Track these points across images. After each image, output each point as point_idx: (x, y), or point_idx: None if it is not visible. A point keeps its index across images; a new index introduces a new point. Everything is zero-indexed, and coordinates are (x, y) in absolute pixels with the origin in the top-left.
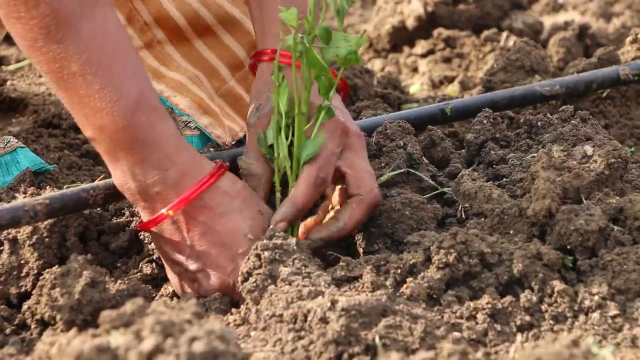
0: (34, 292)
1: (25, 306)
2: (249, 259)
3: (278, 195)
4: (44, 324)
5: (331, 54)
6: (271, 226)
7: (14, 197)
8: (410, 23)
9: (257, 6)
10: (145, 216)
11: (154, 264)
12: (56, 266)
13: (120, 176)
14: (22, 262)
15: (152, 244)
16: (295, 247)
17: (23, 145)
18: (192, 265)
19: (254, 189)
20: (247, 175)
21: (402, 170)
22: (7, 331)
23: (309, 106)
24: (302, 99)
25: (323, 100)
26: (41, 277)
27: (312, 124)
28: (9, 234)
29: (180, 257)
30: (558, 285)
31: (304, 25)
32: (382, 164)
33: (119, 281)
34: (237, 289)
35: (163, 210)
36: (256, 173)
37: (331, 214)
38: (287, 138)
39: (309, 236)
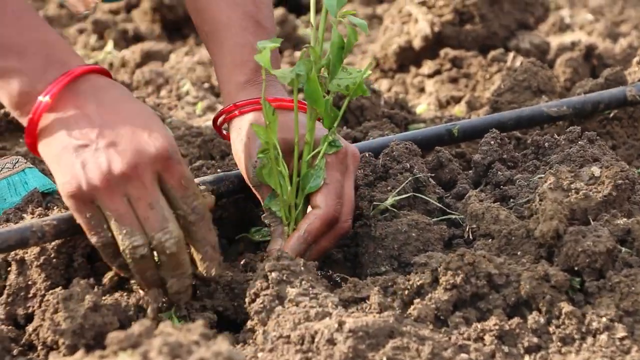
0: (35, 315)
1: (29, 328)
2: (256, 279)
3: (286, 229)
4: (49, 347)
5: (334, 85)
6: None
7: (22, 218)
8: (417, 43)
9: (217, 53)
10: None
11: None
12: (59, 288)
13: (20, 82)
14: (29, 283)
15: (44, 150)
16: (302, 268)
17: (31, 166)
18: (102, 142)
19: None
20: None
21: (408, 195)
22: (15, 352)
23: (313, 136)
24: (308, 128)
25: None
26: (43, 301)
27: (316, 155)
28: (16, 254)
29: (87, 139)
30: (566, 306)
31: (309, 53)
32: (389, 187)
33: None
34: (158, 157)
35: (40, 98)
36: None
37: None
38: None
39: (275, 252)
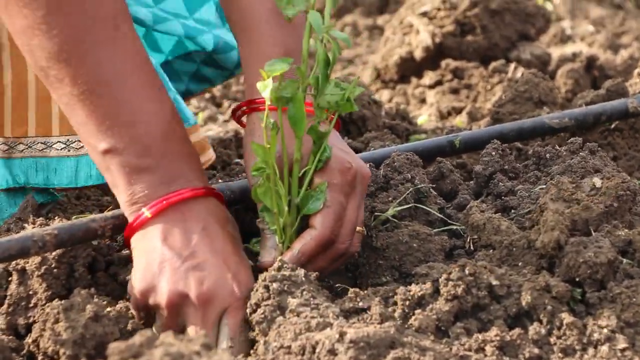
0: (35, 325)
1: (29, 339)
2: (257, 290)
3: (280, 246)
4: (49, 357)
5: (324, 101)
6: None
7: (23, 228)
8: (418, 54)
9: (245, 42)
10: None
11: None
12: (56, 300)
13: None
14: (30, 292)
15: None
16: (303, 279)
17: None
18: (190, 261)
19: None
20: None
21: (409, 206)
22: None
23: (301, 154)
24: (295, 147)
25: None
26: (43, 312)
27: (310, 172)
28: (17, 264)
29: (178, 252)
30: (567, 317)
31: (296, 73)
32: (390, 198)
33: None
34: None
35: (144, 210)
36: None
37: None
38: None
39: (264, 263)
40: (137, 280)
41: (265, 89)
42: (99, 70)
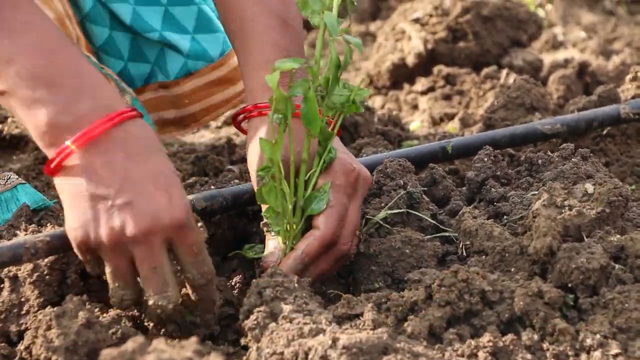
0: (28, 332)
1: (21, 346)
2: (250, 296)
3: (283, 246)
4: None
5: (331, 102)
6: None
7: (15, 235)
8: (411, 60)
9: (243, 51)
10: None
11: None
12: (49, 307)
13: (46, 113)
14: (22, 299)
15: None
16: (296, 285)
17: (24, 182)
18: (120, 198)
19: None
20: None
21: (401, 211)
22: None
23: (309, 155)
24: (304, 147)
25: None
26: (35, 318)
27: (316, 174)
28: (9, 271)
29: (107, 190)
30: (559, 323)
31: (308, 73)
32: (382, 204)
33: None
34: (174, 224)
35: (68, 143)
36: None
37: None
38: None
39: (269, 270)
40: (72, 230)
41: (273, 81)
42: None
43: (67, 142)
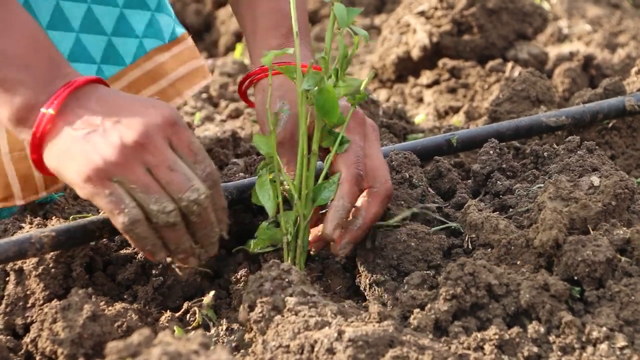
0: (33, 325)
1: (27, 339)
2: (251, 289)
3: (285, 239)
4: (47, 357)
5: (340, 92)
6: (327, 234)
7: (20, 227)
8: (415, 53)
9: (250, 15)
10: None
11: (156, 292)
12: (54, 300)
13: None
14: (28, 292)
15: (50, 156)
16: (300, 277)
17: None
18: (108, 121)
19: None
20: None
21: (411, 212)
22: None
23: (318, 147)
24: (315, 139)
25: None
26: (41, 311)
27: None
28: (14, 264)
29: (93, 127)
30: (566, 316)
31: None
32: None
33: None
34: (166, 125)
35: (43, 110)
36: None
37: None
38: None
39: (340, 246)
40: (78, 171)
41: (269, 62)
42: None
43: (42, 110)
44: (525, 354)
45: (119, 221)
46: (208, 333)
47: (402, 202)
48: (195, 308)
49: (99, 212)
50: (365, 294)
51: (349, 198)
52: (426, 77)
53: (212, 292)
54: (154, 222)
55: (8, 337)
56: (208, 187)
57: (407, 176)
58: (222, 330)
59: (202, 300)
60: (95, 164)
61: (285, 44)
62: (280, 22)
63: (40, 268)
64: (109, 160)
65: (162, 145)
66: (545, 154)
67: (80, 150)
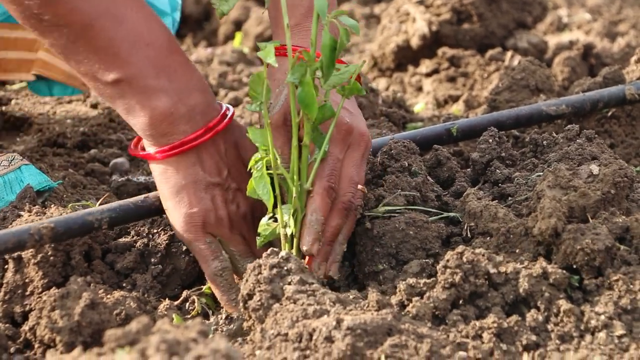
0: (32, 313)
1: (26, 327)
2: (249, 277)
3: (283, 230)
4: (46, 345)
5: (329, 85)
6: (306, 250)
7: (19, 216)
8: (415, 42)
9: (273, 2)
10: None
11: (155, 281)
12: (53, 288)
13: (166, 102)
14: (26, 280)
15: (170, 177)
16: (299, 265)
17: (27, 163)
18: (233, 184)
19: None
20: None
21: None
22: (12, 350)
23: (311, 138)
24: (305, 131)
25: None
26: (39, 299)
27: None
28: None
29: (220, 178)
30: (564, 304)
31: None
32: (387, 185)
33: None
34: None
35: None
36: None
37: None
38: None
39: (314, 268)
40: (192, 216)
41: (267, 55)
42: (94, 2)
43: (188, 132)
44: (524, 342)
45: (212, 267)
46: (207, 321)
47: (400, 190)
48: (194, 297)
49: (97, 201)
50: (364, 282)
51: (321, 211)
52: (425, 65)
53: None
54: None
55: (7, 325)
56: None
57: (406, 164)
58: (221, 318)
59: (201, 288)
60: (207, 218)
61: (302, 24)
62: (297, 2)
63: (39, 256)
64: (221, 224)
65: (250, 230)
66: (545, 142)
67: (199, 198)
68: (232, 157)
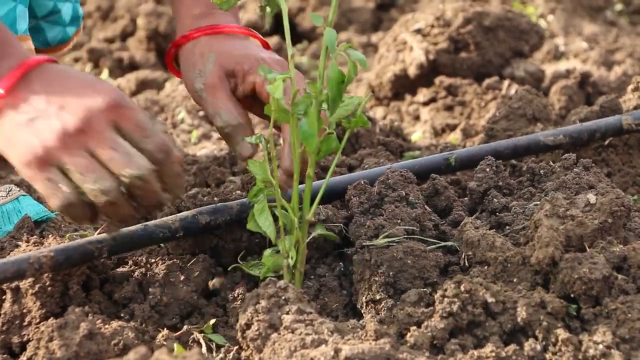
0: (30, 344)
1: (24, 357)
2: (249, 306)
3: (286, 261)
4: None
5: (335, 118)
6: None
7: (17, 246)
8: (412, 71)
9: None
10: None
11: (153, 310)
12: (51, 318)
13: None
14: (24, 310)
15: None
16: (297, 295)
17: (25, 194)
18: (52, 107)
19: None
20: (230, 130)
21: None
22: None
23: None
24: (310, 164)
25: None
26: (37, 330)
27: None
28: (11, 282)
29: (37, 111)
30: (562, 333)
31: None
32: (384, 215)
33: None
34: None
35: None
36: (238, 123)
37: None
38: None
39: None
40: (19, 157)
41: (276, 90)
42: None
43: None
44: None
45: (53, 205)
46: (207, 354)
47: (399, 221)
48: (197, 334)
49: (96, 231)
50: (362, 311)
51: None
52: (423, 94)
53: (212, 320)
54: (94, 202)
55: (4, 356)
56: (162, 157)
57: (404, 194)
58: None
59: (200, 322)
60: (35, 150)
61: (207, 12)
62: None
63: (37, 286)
64: (49, 147)
65: (104, 129)
66: (542, 171)
67: (23, 138)
68: (50, 87)
